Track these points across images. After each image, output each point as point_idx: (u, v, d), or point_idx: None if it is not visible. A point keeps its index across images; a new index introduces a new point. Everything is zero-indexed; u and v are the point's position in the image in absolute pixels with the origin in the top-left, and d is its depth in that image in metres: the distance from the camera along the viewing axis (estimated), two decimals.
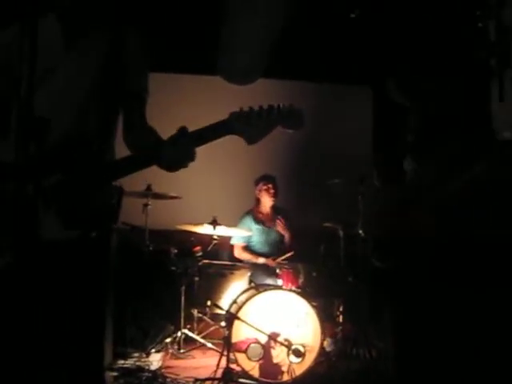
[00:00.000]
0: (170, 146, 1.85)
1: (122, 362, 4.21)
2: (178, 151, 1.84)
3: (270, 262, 5.07)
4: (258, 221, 5.37)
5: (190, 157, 1.86)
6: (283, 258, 4.96)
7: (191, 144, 1.85)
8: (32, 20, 1.71)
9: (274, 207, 5.44)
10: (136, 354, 4.37)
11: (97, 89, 1.96)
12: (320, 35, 5.55)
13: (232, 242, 5.36)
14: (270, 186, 5.37)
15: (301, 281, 4.52)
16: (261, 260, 5.19)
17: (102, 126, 1.98)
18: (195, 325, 4.83)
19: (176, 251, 4.84)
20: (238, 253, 5.31)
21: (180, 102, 6.02)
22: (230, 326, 4.04)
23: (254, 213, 5.43)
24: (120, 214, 2.00)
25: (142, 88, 2.08)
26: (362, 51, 5.72)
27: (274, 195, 5.38)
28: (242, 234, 5.24)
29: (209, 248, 4.75)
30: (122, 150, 2.01)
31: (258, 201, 5.48)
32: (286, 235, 5.37)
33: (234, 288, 4.53)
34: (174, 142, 1.85)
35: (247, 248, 5.35)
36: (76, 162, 1.86)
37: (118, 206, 1.96)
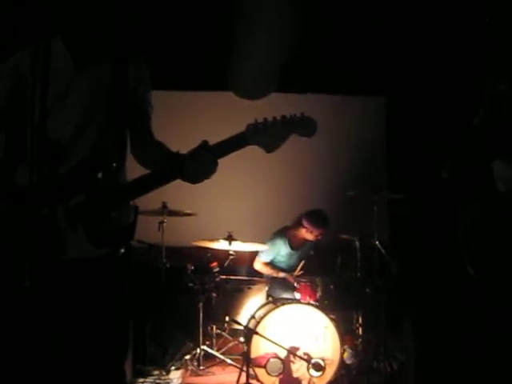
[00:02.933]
0: (193, 159, 1.91)
1: (142, 380, 4.21)
2: (201, 164, 1.91)
3: (288, 276, 5.02)
4: (290, 244, 5.23)
5: (213, 169, 1.93)
6: (298, 269, 4.95)
7: (213, 156, 1.92)
8: (45, 43, 1.75)
9: None
10: (156, 372, 4.38)
11: (108, 109, 2.00)
12: (333, 46, 5.57)
13: (258, 256, 5.25)
14: (320, 235, 5.11)
15: (319, 294, 4.50)
16: (281, 275, 5.12)
17: (116, 145, 2.01)
18: (214, 341, 4.82)
19: (193, 268, 4.84)
20: (260, 267, 5.24)
21: (193, 118, 6.05)
22: (248, 341, 4.03)
23: (287, 235, 5.24)
24: (135, 232, 2.02)
25: (148, 104, 2.14)
26: (376, 62, 5.73)
27: (319, 239, 5.16)
28: (269, 251, 5.17)
29: (225, 263, 4.75)
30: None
31: (297, 225, 5.21)
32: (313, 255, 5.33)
33: (252, 303, 4.52)
34: (197, 155, 1.92)
35: (270, 263, 5.28)
36: (96, 182, 1.90)
37: (134, 224, 1.99)
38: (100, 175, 1.91)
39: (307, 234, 5.12)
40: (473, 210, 2.34)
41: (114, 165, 1.95)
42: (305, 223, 5.07)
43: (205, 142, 1.94)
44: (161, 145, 2.11)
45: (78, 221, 1.86)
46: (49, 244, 1.81)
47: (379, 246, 4.74)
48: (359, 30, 5.37)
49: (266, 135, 1.92)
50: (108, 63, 2.03)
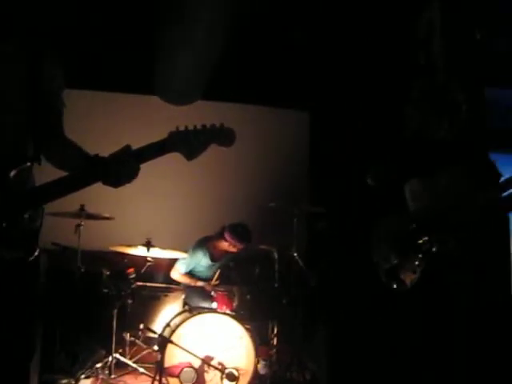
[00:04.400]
0: (116, 162, 1.93)
1: None
2: (123, 168, 1.93)
3: (207, 285, 4.99)
4: (210, 256, 5.16)
5: (135, 173, 1.96)
6: (215, 277, 4.94)
7: (135, 161, 1.95)
8: None
9: None
10: (64, 381, 4.22)
11: (21, 107, 1.94)
12: (259, 59, 5.63)
13: (176, 266, 5.16)
14: (240, 248, 5.07)
15: (235, 304, 4.51)
16: (199, 283, 5.07)
17: (30, 143, 1.95)
18: (127, 349, 4.72)
19: (109, 273, 4.72)
20: (177, 276, 5.13)
21: (117, 120, 5.95)
22: (162, 349, 3.98)
23: (208, 247, 5.17)
24: (44, 234, 1.97)
25: (60, 103, 2.10)
26: (301, 76, 5.83)
27: (237, 252, 5.13)
28: (187, 262, 5.09)
29: (143, 270, 4.68)
30: None
31: (219, 241, 5.13)
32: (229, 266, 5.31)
33: (168, 311, 4.48)
34: (119, 159, 1.93)
35: (188, 273, 5.19)
36: (8, 182, 1.82)
37: (40, 227, 1.94)
38: (12, 174, 1.84)
39: (229, 247, 5.08)
40: (381, 225, 2.44)
41: (28, 164, 1.89)
42: (227, 237, 5.03)
43: (128, 147, 1.95)
44: (75, 146, 2.07)
45: None
46: None
47: (297, 257, 4.81)
48: (286, 43, 5.45)
49: (187, 143, 1.98)
50: (21, 59, 1.96)
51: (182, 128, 1.99)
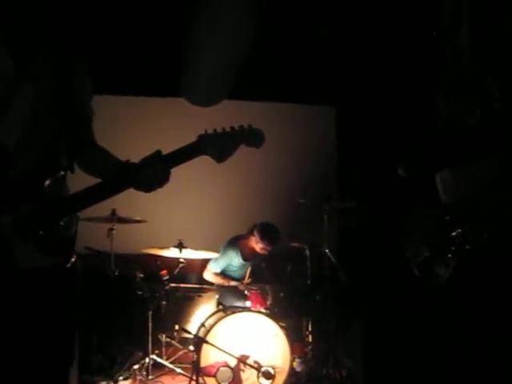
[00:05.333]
0: (147, 168, 1.94)
1: None
2: (154, 173, 1.94)
3: (240, 285, 4.99)
4: (242, 255, 5.17)
5: (166, 178, 1.97)
6: (247, 276, 4.94)
7: (166, 165, 1.95)
8: None
9: None
10: (103, 382, 4.28)
11: (53, 115, 1.95)
12: (284, 56, 5.61)
13: (209, 266, 5.20)
14: (268, 249, 5.04)
15: (269, 302, 4.51)
16: (232, 283, 5.08)
17: (63, 152, 1.97)
18: (164, 350, 4.76)
19: (142, 275, 4.77)
20: (210, 277, 5.17)
21: (145, 124, 6.00)
22: (198, 350, 4.00)
23: (239, 246, 5.18)
24: (77, 240, 2.00)
25: (90, 110, 2.11)
26: (326, 71, 5.80)
27: (267, 252, 5.11)
28: (220, 261, 5.12)
29: (176, 271, 4.71)
30: None
31: (248, 238, 5.15)
32: (262, 265, 5.32)
33: (202, 311, 4.50)
34: (150, 164, 1.95)
35: (220, 273, 5.22)
36: (44, 191, 1.85)
37: (75, 233, 1.97)
38: (47, 183, 1.86)
39: (255, 243, 5.09)
40: (413, 218, 2.40)
41: (62, 173, 1.92)
42: (255, 232, 5.05)
43: (158, 152, 1.96)
44: (106, 152, 2.09)
45: (27, 230, 1.81)
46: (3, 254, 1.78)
47: (329, 254, 4.79)
48: (310, 39, 5.43)
49: (217, 146, 1.98)
50: (50, 67, 1.97)
51: (210, 131, 1.99)
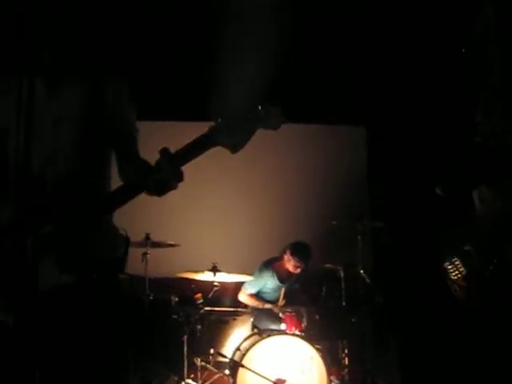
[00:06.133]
0: (155, 170, 1.83)
1: None
2: (163, 174, 1.82)
3: (274, 307, 4.95)
4: (277, 277, 5.16)
5: (177, 177, 1.85)
6: (281, 297, 4.91)
7: (176, 164, 1.83)
8: (29, 78, 1.74)
9: None
10: None
11: (84, 137, 1.97)
12: (314, 76, 5.64)
13: (244, 288, 5.20)
14: (301, 266, 5.04)
15: (304, 324, 4.47)
16: (267, 306, 5.05)
17: (94, 170, 1.99)
18: (199, 374, 4.73)
19: (177, 299, 4.78)
20: (245, 298, 5.17)
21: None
22: (234, 374, 3.98)
23: (274, 268, 5.18)
24: (126, 263, 2.00)
25: (131, 126, 2.10)
26: (357, 91, 5.80)
27: (301, 272, 5.11)
28: (255, 283, 5.11)
29: (210, 295, 4.70)
30: None
31: (282, 260, 5.17)
32: (297, 287, 5.31)
33: (237, 334, 4.48)
34: (158, 166, 1.83)
35: (255, 295, 5.22)
36: (71, 209, 1.85)
37: (124, 255, 1.96)
38: (71, 205, 1.85)
39: (288, 264, 5.08)
40: (451, 236, 2.36)
41: (87, 193, 1.91)
42: (287, 251, 5.06)
43: (165, 150, 1.85)
44: (145, 163, 2.03)
45: (49, 249, 1.80)
46: (23, 276, 1.77)
47: (363, 274, 4.74)
48: (339, 60, 5.45)
49: (231, 134, 1.84)
50: (83, 86, 2.00)
51: (222, 120, 1.86)
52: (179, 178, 1.85)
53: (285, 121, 1.87)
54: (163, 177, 1.82)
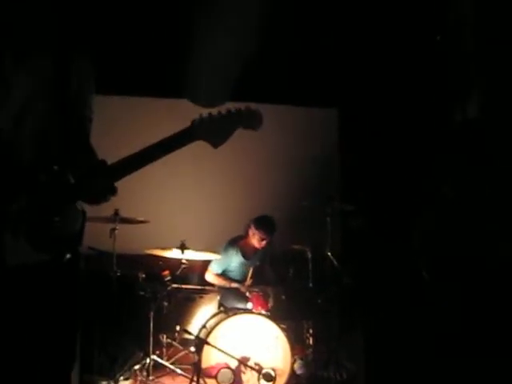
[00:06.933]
0: (88, 181, 1.87)
1: None
2: (95, 186, 1.87)
3: (241, 286, 4.98)
4: (242, 254, 5.21)
5: (108, 192, 1.89)
6: (249, 276, 4.93)
7: (109, 178, 1.87)
8: None
9: None
10: (104, 382, 4.29)
11: (48, 109, 1.94)
12: (287, 58, 5.62)
13: (210, 267, 5.21)
14: (265, 239, 5.10)
15: (270, 304, 4.51)
16: (233, 285, 5.08)
17: (59, 146, 1.96)
18: (164, 350, 4.76)
19: (144, 276, 4.77)
20: (212, 278, 5.18)
21: (146, 125, 6.00)
22: (199, 351, 4.01)
23: (239, 245, 5.24)
24: (83, 238, 1.98)
25: (88, 109, 2.09)
26: (329, 73, 5.80)
27: (265, 246, 5.16)
28: (220, 262, 5.13)
29: (177, 272, 4.70)
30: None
31: (247, 236, 5.23)
32: (267, 265, 5.35)
33: (204, 312, 4.50)
34: (93, 177, 1.87)
35: (222, 274, 5.24)
36: (38, 185, 1.84)
37: (81, 230, 1.94)
38: (42, 178, 1.85)
39: (253, 238, 5.14)
40: (428, 216, 2.39)
41: (56, 167, 1.88)
42: (251, 225, 5.13)
43: (101, 162, 1.90)
44: (93, 154, 2.05)
45: (19, 226, 1.80)
46: None
47: (331, 256, 4.78)
48: (312, 41, 5.44)
49: (213, 130, 1.91)
50: (50, 61, 1.97)
51: (205, 115, 1.92)
52: (111, 192, 1.89)
53: (261, 124, 1.97)
54: (95, 187, 1.86)
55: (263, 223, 5.11)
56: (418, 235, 2.39)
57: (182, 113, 5.91)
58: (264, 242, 5.12)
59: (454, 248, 2.19)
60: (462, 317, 2.18)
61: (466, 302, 2.17)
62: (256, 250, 5.24)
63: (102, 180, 1.87)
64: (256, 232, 5.09)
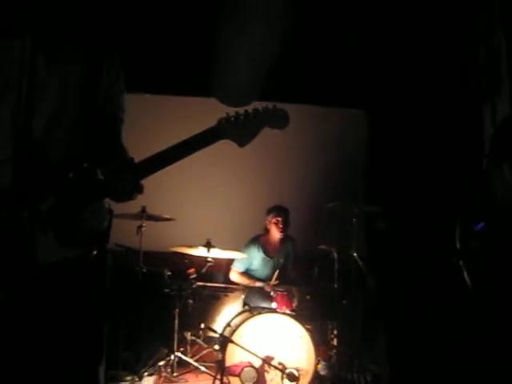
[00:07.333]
0: (115, 178, 1.88)
1: None
2: (122, 184, 1.87)
3: (266, 286, 4.99)
4: (263, 251, 5.28)
5: (136, 190, 1.89)
6: (274, 278, 4.94)
7: (136, 176, 1.88)
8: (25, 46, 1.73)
9: (282, 238, 5.34)
10: (129, 378, 4.33)
11: (79, 109, 1.97)
12: (316, 58, 5.60)
13: (233, 266, 5.26)
14: (279, 219, 5.24)
15: (295, 304, 4.50)
16: (258, 284, 5.12)
17: (90, 146, 1.98)
18: (188, 348, 4.79)
19: (170, 273, 4.81)
20: (236, 277, 5.23)
21: (174, 124, 6.04)
22: (223, 349, 4.01)
23: (260, 242, 5.32)
24: (110, 235, 2.00)
25: (119, 109, 2.11)
26: (358, 73, 5.77)
27: (283, 229, 5.25)
28: (243, 260, 5.17)
29: (203, 270, 4.73)
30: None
31: (266, 230, 5.37)
32: (290, 265, 5.37)
33: (228, 311, 4.51)
34: (119, 175, 1.88)
35: (246, 273, 5.28)
36: (68, 183, 1.86)
37: (109, 227, 1.96)
38: (71, 175, 1.87)
39: (271, 228, 5.28)
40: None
41: (85, 165, 1.91)
42: (266, 217, 5.33)
43: (129, 161, 1.91)
44: (123, 152, 2.06)
45: (48, 223, 1.82)
46: (19, 249, 1.78)
47: (357, 257, 4.76)
48: (341, 42, 5.41)
49: (239, 129, 1.90)
50: (80, 62, 2.00)
51: (231, 114, 1.92)
52: (133, 190, 1.89)
53: (288, 124, 1.97)
54: (122, 186, 1.86)
55: (273, 207, 5.33)
56: (461, 237, 2.31)
57: (210, 112, 6.00)
58: (281, 226, 5.23)
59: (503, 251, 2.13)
60: (493, 320, 2.14)
61: (501, 305, 2.12)
62: (278, 246, 5.30)
63: (129, 178, 1.87)
64: (270, 219, 5.27)
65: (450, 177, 4.40)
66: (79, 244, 1.89)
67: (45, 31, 1.95)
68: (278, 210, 5.27)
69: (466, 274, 2.23)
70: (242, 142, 1.93)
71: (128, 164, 1.90)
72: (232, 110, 1.96)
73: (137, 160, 1.94)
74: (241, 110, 1.93)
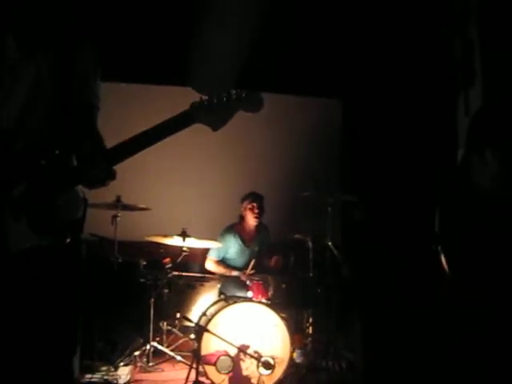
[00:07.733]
0: (87, 165, 1.87)
1: (90, 376, 4.13)
2: (94, 170, 1.86)
3: (242, 275, 5.01)
4: (239, 238, 5.30)
5: (109, 175, 1.89)
6: (250, 267, 4.95)
7: (110, 162, 1.87)
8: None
9: (257, 226, 5.37)
10: (104, 368, 4.30)
11: (53, 96, 1.95)
12: (292, 48, 5.60)
13: (208, 255, 5.27)
14: (254, 205, 5.26)
15: (270, 293, 4.52)
16: (234, 273, 5.13)
17: (61, 132, 1.96)
18: (164, 337, 4.78)
19: (145, 263, 4.79)
20: (212, 266, 5.23)
21: (150, 112, 5.99)
22: (199, 338, 4.02)
23: (236, 230, 5.34)
24: (85, 225, 1.99)
25: (95, 97, 2.09)
26: (333, 63, 5.79)
27: (259, 214, 5.27)
28: (219, 249, 5.18)
29: (178, 260, 4.72)
30: None
31: (241, 218, 5.38)
32: (263, 252, 5.39)
33: (204, 300, 4.52)
34: (91, 161, 1.86)
35: (222, 262, 5.29)
36: (40, 170, 1.85)
37: (83, 215, 1.95)
38: (42, 162, 1.86)
39: (245, 213, 5.30)
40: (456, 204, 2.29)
41: (57, 152, 1.89)
42: (241, 204, 5.34)
43: (102, 146, 1.93)
44: (100, 140, 2.05)
45: (21, 210, 1.81)
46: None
47: (332, 246, 4.79)
48: (317, 32, 5.42)
49: (212, 113, 1.89)
50: (54, 49, 1.98)
51: (204, 98, 1.91)
52: (110, 176, 1.89)
53: (262, 107, 1.96)
54: (94, 173, 1.85)
55: (248, 194, 5.35)
56: (441, 226, 2.31)
57: (186, 101, 5.97)
58: (257, 212, 5.25)
59: (485, 243, 2.13)
60: (470, 308, 2.16)
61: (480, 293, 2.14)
62: (254, 234, 5.33)
63: (101, 164, 1.85)
64: (245, 203, 5.29)
65: (425, 166, 4.45)
66: (52, 232, 1.87)
67: (17, 19, 1.92)
68: (254, 197, 5.30)
69: (444, 260, 2.25)
70: (215, 126, 1.92)
71: (100, 150, 1.90)
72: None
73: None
74: (214, 94, 1.91)
